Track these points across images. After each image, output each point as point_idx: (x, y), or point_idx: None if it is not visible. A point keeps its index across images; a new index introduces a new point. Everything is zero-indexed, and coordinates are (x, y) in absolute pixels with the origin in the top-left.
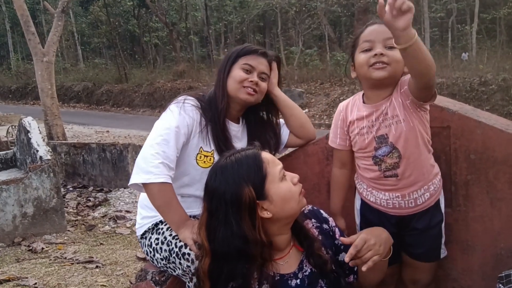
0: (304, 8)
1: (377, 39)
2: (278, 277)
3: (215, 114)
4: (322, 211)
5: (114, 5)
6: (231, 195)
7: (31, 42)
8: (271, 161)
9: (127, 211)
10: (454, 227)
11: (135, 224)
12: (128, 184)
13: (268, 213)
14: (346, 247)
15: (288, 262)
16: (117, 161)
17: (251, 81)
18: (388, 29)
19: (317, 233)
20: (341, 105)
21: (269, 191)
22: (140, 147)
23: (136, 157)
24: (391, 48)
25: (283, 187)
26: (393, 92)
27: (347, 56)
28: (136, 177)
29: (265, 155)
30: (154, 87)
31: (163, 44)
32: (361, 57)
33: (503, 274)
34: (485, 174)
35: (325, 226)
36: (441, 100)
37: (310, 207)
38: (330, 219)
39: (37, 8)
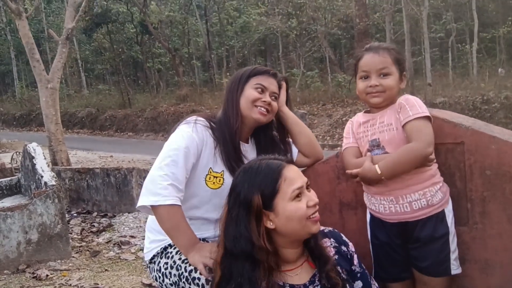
0: (304, 32)
1: (372, 70)
2: (288, 287)
3: (225, 134)
4: (343, 235)
5: (117, 32)
6: (244, 198)
7: (36, 69)
8: (289, 179)
9: (132, 236)
10: (471, 246)
11: (140, 250)
12: (136, 206)
13: (272, 224)
14: (363, 275)
15: (299, 274)
16: (121, 186)
17: (264, 101)
18: (381, 59)
19: (333, 252)
20: (350, 120)
21: (277, 205)
22: (145, 171)
23: (141, 181)
24: (385, 76)
25: (290, 207)
26: (390, 106)
27: (348, 77)
28: (144, 199)
29: (288, 171)
30: (157, 112)
31: (166, 69)
32: (360, 85)
33: None
34: (502, 190)
35: (343, 248)
36: (454, 116)
37: (331, 228)
38: (350, 244)
39: (42, 36)
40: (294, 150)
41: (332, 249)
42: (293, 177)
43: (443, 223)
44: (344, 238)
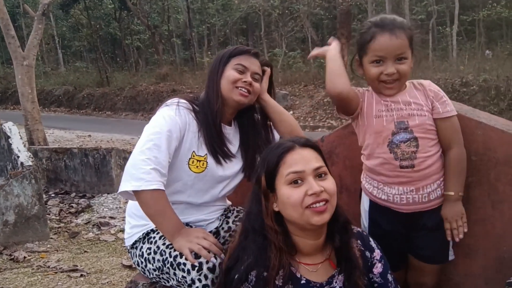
0: (286, 11)
1: (389, 55)
2: (304, 281)
3: (209, 116)
4: (371, 239)
5: (95, 8)
6: (258, 175)
7: (11, 45)
8: (289, 163)
9: (111, 217)
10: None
11: (120, 231)
12: (118, 192)
13: (276, 206)
14: (382, 286)
15: (318, 271)
16: (100, 166)
17: (245, 81)
18: (400, 43)
19: (358, 255)
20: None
21: (277, 187)
22: (124, 151)
23: (120, 161)
24: (401, 60)
25: (284, 191)
26: (408, 89)
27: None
28: (126, 185)
29: (293, 154)
30: (137, 91)
31: (145, 47)
32: (372, 70)
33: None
34: (487, 175)
35: (367, 253)
36: None
37: (360, 229)
38: (377, 251)
39: (17, 11)
40: (276, 135)
41: (357, 252)
42: (293, 161)
43: None
44: (372, 243)
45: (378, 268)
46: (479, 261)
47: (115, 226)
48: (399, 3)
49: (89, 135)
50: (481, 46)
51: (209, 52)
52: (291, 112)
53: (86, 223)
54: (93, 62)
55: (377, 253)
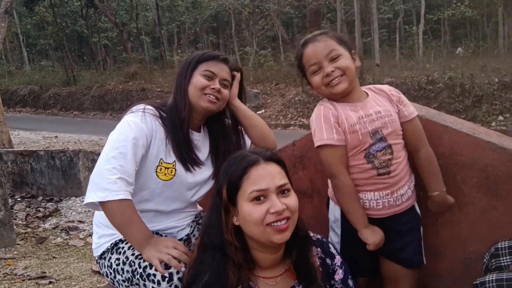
0: (257, 9)
1: (320, 59)
2: None
3: (176, 123)
4: (331, 246)
5: (60, 5)
6: (219, 186)
7: None
8: (253, 179)
9: (80, 221)
10: (423, 233)
11: (89, 235)
12: (83, 203)
13: (236, 220)
14: None
15: (278, 284)
16: (67, 169)
17: (213, 88)
18: (324, 44)
19: (318, 263)
20: (320, 105)
21: (238, 202)
22: (92, 153)
23: (88, 163)
24: (335, 59)
25: (246, 208)
26: (370, 95)
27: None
28: (92, 196)
29: (257, 169)
30: (105, 90)
31: (113, 45)
32: (315, 79)
33: (478, 282)
34: (453, 178)
35: (328, 260)
36: None
37: (319, 236)
38: (337, 257)
39: None
40: (248, 139)
41: (317, 259)
42: (258, 177)
43: (415, 212)
44: (332, 249)
45: (339, 274)
46: (446, 262)
47: (84, 230)
48: (367, 2)
49: (56, 136)
50: (446, 45)
51: (179, 50)
52: (263, 110)
53: (54, 228)
54: (59, 61)
55: (338, 259)
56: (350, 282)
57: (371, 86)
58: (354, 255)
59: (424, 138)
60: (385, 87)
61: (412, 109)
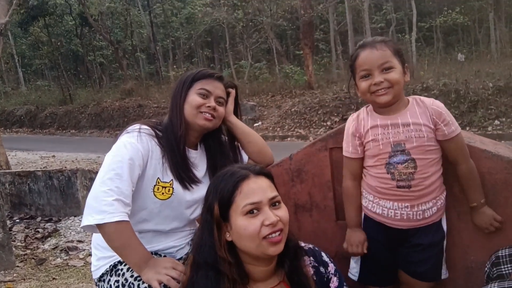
0: (250, 23)
1: (373, 67)
2: None
3: (173, 141)
4: (323, 254)
5: (55, 25)
6: (209, 204)
7: None
8: (245, 193)
9: (80, 241)
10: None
11: (89, 255)
12: (80, 227)
13: (229, 236)
14: None
15: None
16: (65, 188)
17: (209, 106)
18: (381, 53)
19: (312, 272)
20: (353, 115)
21: (231, 217)
22: (90, 171)
23: (86, 182)
24: (388, 70)
25: (240, 222)
26: (408, 106)
27: (295, 68)
28: (89, 219)
29: (248, 183)
30: (101, 107)
31: (108, 63)
32: (362, 85)
33: None
34: (451, 188)
35: (322, 269)
36: None
37: (311, 246)
38: (331, 265)
39: None
40: (245, 155)
41: (310, 269)
42: (250, 191)
43: (440, 226)
44: (325, 258)
45: (334, 282)
46: (449, 272)
47: (84, 250)
48: (359, 12)
49: (53, 156)
50: (440, 51)
51: (174, 66)
52: (260, 123)
53: (53, 249)
54: (55, 80)
55: (332, 267)
56: None
57: (417, 96)
58: (374, 265)
59: (466, 154)
60: (428, 101)
61: (453, 128)
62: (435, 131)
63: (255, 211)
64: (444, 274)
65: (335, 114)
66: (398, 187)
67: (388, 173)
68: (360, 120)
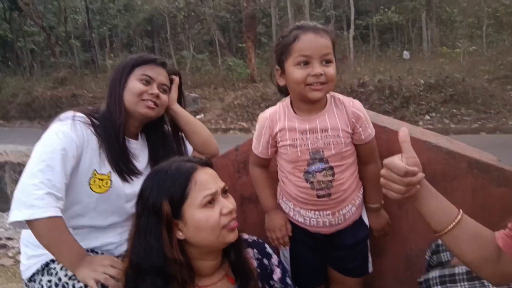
0: (192, 13)
1: (315, 55)
2: None
3: (111, 131)
4: (267, 245)
5: None
6: (152, 204)
7: None
8: (200, 184)
9: (8, 238)
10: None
11: (19, 253)
12: (8, 222)
13: (181, 234)
14: None
15: None
16: None
17: (151, 94)
18: (325, 42)
19: (256, 264)
20: (267, 112)
21: (185, 213)
22: (19, 164)
23: (15, 176)
24: (327, 63)
25: (200, 215)
26: (326, 107)
27: (238, 61)
28: (17, 214)
29: (200, 174)
30: (32, 97)
31: (40, 50)
32: (297, 72)
33: (422, 279)
34: None
35: (265, 261)
36: None
37: (255, 237)
38: (274, 256)
39: None
40: (189, 146)
41: (254, 261)
42: (205, 181)
43: (362, 223)
44: (268, 249)
45: (277, 273)
46: (389, 260)
47: (13, 248)
48: (300, 8)
49: None
50: (375, 49)
51: (111, 54)
52: (202, 115)
53: None
54: None
55: (275, 258)
56: (288, 280)
57: (336, 95)
58: (303, 266)
59: (377, 154)
60: (347, 102)
61: (369, 131)
62: (352, 135)
63: (212, 201)
64: (370, 268)
65: None
66: (318, 196)
67: (307, 182)
68: (276, 120)
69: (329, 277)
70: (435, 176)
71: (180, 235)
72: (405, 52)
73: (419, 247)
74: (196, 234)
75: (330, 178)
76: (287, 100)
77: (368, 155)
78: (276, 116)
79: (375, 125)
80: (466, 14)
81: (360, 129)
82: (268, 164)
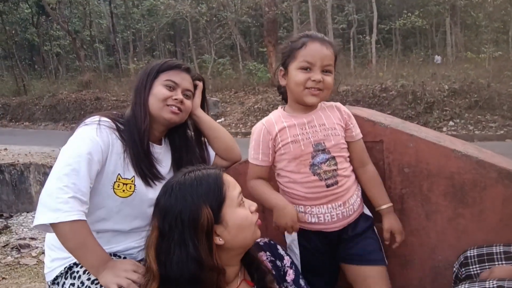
0: (214, 18)
1: (317, 63)
2: None
3: (135, 136)
4: (279, 247)
5: (10, 13)
6: (189, 215)
7: None
8: (232, 184)
9: (32, 238)
10: (391, 242)
11: (42, 253)
12: (32, 226)
13: (221, 239)
14: None
15: None
16: (17, 183)
17: (176, 99)
18: (328, 53)
19: (270, 266)
20: (260, 122)
21: (225, 215)
22: (44, 166)
23: (39, 177)
24: (327, 72)
25: (240, 213)
26: (320, 107)
27: (259, 65)
28: (42, 217)
29: (227, 177)
30: (57, 99)
31: (65, 53)
32: (298, 76)
33: None
34: (419, 187)
35: (278, 263)
36: (373, 114)
37: (266, 239)
38: (286, 258)
39: None
40: (211, 151)
41: (268, 263)
42: (232, 182)
43: (366, 215)
44: (280, 250)
45: (290, 275)
46: (415, 272)
47: (37, 247)
48: (322, 12)
49: (5, 149)
50: (398, 53)
51: (135, 58)
52: (223, 119)
53: (4, 246)
54: (9, 70)
55: (287, 260)
56: (302, 282)
57: (326, 102)
58: (314, 271)
59: (368, 156)
60: (336, 103)
61: (359, 131)
62: (345, 131)
63: (242, 200)
64: (386, 261)
65: None
66: (328, 186)
67: (315, 175)
68: (273, 124)
69: (349, 280)
70: (464, 186)
71: (219, 240)
72: (436, 56)
73: (447, 258)
74: (237, 235)
75: (334, 167)
76: (279, 109)
77: (362, 154)
78: (272, 121)
79: (402, 132)
80: (491, 18)
81: (351, 125)
82: (267, 176)
